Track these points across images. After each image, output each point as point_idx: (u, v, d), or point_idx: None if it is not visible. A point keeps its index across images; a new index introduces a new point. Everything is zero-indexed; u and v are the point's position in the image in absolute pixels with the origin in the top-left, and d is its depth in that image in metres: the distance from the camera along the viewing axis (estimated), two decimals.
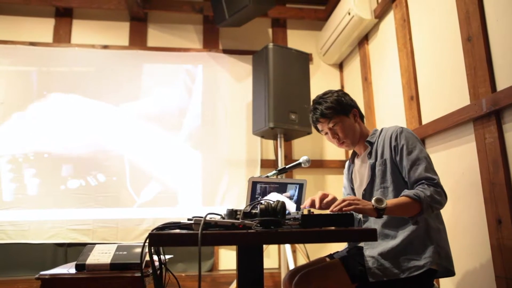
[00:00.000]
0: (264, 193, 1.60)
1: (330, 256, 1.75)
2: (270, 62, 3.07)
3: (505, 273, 1.69)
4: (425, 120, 2.36)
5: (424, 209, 1.39)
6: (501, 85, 1.77)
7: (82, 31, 3.62)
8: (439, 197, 1.41)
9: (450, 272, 1.52)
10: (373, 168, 1.63)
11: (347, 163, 1.87)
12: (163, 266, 1.41)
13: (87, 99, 3.42)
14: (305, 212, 1.31)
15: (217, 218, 1.28)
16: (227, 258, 3.36)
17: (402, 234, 1.49)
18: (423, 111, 2.40)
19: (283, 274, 2.98)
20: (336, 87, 3.47)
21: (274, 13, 3.73)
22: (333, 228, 1.22)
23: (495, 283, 1.75)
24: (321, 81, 3.73)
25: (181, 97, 3.58)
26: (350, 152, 1.87)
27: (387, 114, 2.90)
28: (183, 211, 3.31)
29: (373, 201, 1.35)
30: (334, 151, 3.67)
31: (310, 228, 1.20)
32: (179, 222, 1.23)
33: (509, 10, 1.73)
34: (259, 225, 1.16)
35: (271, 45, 3.12)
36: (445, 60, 2.18)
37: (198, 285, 1.06)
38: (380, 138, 1.66)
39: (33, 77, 3.43)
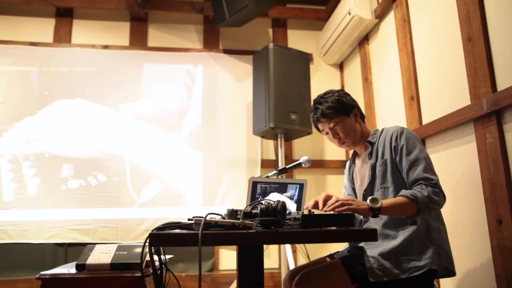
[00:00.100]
0: (265, 193, 1.60)
1: (331, 256, 1.75)
2: (271, 62, 3.07)
3: (505, 273, 1.69)
4: (426, 120, 2.36)
5: (421, 209, 1.39)
6: (501, 85, 1.76)
7: (83, 31, 3.63)
8: (437, 197, 1.41)
9: (450, 273, 1.52)
10: (373, 168, 1.63)
11: (348, 163, 1.87)
12: (163, 266, 1.41)
13: (87, 99, 3.42)
14: (305, 212, 1.31)
15: (218, 218, 1.28)
16: (227, 258, 3.36)
17: (402, 235, 1.49)
18: (424, 111, 2.40)
19: (283, 274, 2.98)
20: (337, 87, 3.47)
21: (274, 13, 3.73)
22: (333, 228, 1.22)
23: (495, 283, 1.74)
24: (322, 81, 3.73)
25: (181, 97, 3.58)
26: (351, 152, 1.87)
27: (388, 114, 2.90)
28: (183, 211, 3.31)
29: (368, 201, 1.35)
30: (334, 151, 3.67)
31: (311, 228, 1.20)
32: (180, 222, 1.24)
33: (509, 10, 1.73)
34: (259, 225, 1.16)
35: (271, 45, 3.12)
36: (446, 60, 2.18)
37: (198, 285, 1.06)
38: (380, 138, 1.66)
39: (34, 77, 3.43)
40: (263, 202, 1.23)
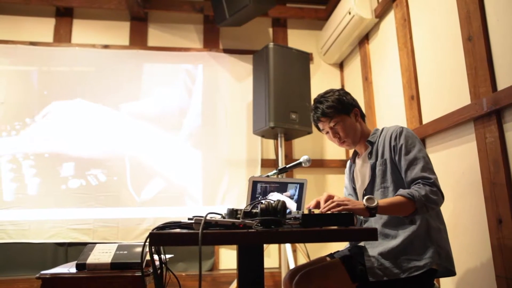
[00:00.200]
0: (265, 192, 1.60)
1: (331, 255, 1.75)
2: (271, 61, 3.07)
3: (505, 273, 1.69)
4: (426, 119, 2.36)
5: (418, 209, 1.39)
6: (501, 84, 1.76)
7: (83, 30, 3.62)
8: (434, 196, 1.41)
9: (450, 272, 1.52)
10: (373, 168, 1.63)
11: (348, 163, 1.86)
12: (163, 265, 1.42)
13: (87, 99, 3.42)
14: (306, 211, 1.31)
15: (218, 217, 1.28)
16: (227, 258, 3.36)
17: (402, 234, 1.49)
18: (424, 111, 2.40)
19: (283, 274, 2.98)
20: (337, 86, 3.46)
21: (274, 12, 3.73)
22: (333, 227, 1.22)
23: (495, 282, 1.75)
24: (322, 81, 3.73)
25: (181, 97, 3.58)
26: (351, 151, 1.87)
27: (388, 114, 2.90)
28: (183, 211, 3.31)
29: (364, 200, 1.35)
30: (334, 151, 3.67)
31: (311, 227, 1.20)
32: (180, 222, 1.24)
33: (509, 10, 1.73)
34: (259, 224, 1.16)
35: (271, 44, 3.12)
36: (446, 60, 2.18)
37: (198, 285, 1.06)
38: (380, 138, 1.66)
39: (34, 77, 3.43)
40: (263, 201, 1.23)
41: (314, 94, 1.86)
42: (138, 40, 3.67)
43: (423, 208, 1.39)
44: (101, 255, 1.57)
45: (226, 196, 3.42)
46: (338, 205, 1.32)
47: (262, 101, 3.06)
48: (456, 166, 2.06)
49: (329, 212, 1.32)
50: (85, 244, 1.93)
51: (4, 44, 3.44)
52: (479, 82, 1.86)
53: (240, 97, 3.63)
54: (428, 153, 1.76)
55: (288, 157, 3.57)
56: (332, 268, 1.53)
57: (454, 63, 2.09)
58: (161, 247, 1.41)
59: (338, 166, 3.62)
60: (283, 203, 1.21)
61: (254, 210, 1.25)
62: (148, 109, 3.49)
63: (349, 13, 3.06)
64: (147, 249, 1.33)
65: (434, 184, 1.43)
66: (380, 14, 2.97)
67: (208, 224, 1.14)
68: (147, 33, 3.71)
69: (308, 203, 1.49)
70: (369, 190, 1.63)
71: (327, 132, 1.71)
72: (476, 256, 1.90)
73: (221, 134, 3.55)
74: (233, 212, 1.26)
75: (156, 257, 1.37)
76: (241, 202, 3.33)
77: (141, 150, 3.40)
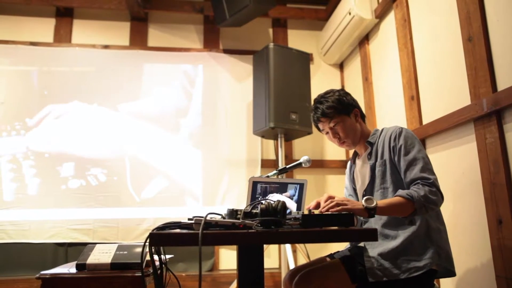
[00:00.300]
0: (265, 193, 1.60)
1: (331, 256, 1.75)
2: (271, 62, 3.07)
3: (505, 273, 1.69)
4: (426, 120, 2.36)
5: (418, 209, 1.39)
6: (501, 85, 1.76)
7: (83, 31, 3.63)
8: (434, 196, 1.41)
9: (450, 273, 1.52)
10: (373, 168, 1.63)
11: (348, 164, 1.87)
12: (163, 265, 1.42)
13: (87, 99, 3.42)
14: (306, 212, 1.31)
15: (218, 218, 1.28)
16: (227, 258, 3.36)
17: (402, 235, 1.49)
18: (424, 111, 2.40)
19: (283, 274, 2.98)
20: (337, 87, 3.47)
21: (274, 13, 3.73)
22: (333, 228, 1.22)
23: (495, 283, 1.74)
24: (322, 81, 3.73)
25: (181, 97, 3.58)
26: (351, 152, 1.87)
27: (388, 114, 2.90)
28: (183, 211, 3.31)
29: (363, 201, 1.35)
30: (334, 151, 3.67)
31: (311, 228, 1.20)
32: (180, 222, 1.24)
33: (509, 10, 1.73)
34: (259, 225, 1.16)
35: (271, 45, 3.12)
36: (446, 60, 2.18)
37: (198, 285, 1.06)
38: (380, 138, 1.66)
39: (34, 77, 3.43)
40: (263, 202, 1.23)
41: (314, 94, 1.86)
42: (138, 40, 3.67)
43: (422, 208, 1.39)
44: (101, 255, 1.57)
45: (226, 197, 3.42)
46: (337, 205, 1.32)
47: (262, 101, 3.06)
48: (456, 167, 2.06)
49: (328, 212, 1.32)
50: (85, 244, 1.92)
51: (5, 44, 3.44)
52: (479, 83, 1.87)
53: (240, 98, 3.63)
54: (428, 153, 1.76)
55: (288, 157, 3.57)
56: (332, 269, 1.53)
57: (454, 64, 2.09)
58: (161, 248, 1.41)
59: (338, 166, 3.62)
60: (283, 203, 1.21)
61: (254, 211, 1.25)
62: (148, 109, 3.49)
63: (349, 14, 3.06)
64: (147, 249, 1.33)
65: (433, 185, 1.43)
66: (380, 15, 2.97)
67: (208, 224, 1.14)
68: (147, 34, 3.71)
69: (308, 204, 1.49)
70: (369, 190, 1.64)
71: (327, 133, 1.71)
72: (476, 256, 1.90)
73: (221, 134, 3.55)
74: (233, 213, 1.26)
75: (156, 257, 1.37)
76: (241, 203, 3.33)
77: (141, 150, 3.40)
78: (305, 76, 3.24)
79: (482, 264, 1.86)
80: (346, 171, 1.88)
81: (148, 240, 1.10)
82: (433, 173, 1.49)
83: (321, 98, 1.70)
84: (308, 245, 3.08)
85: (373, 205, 1.34)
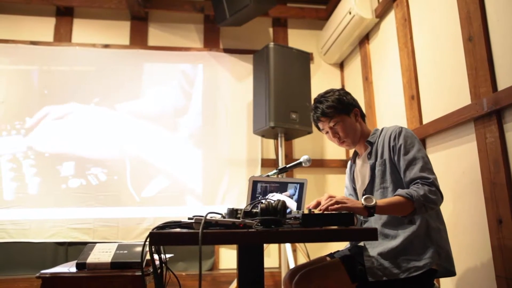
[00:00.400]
0: (265, 192, 1.60)
1: (331, 255, 1.75)
2: (271, 61, 3.07)
3: (505, 273, 1.69)
4: (426, 119, 2.35)
5: (417, 208, 1.39)
6: (502, 84, 1.76)
7: (83, 30, 3.63)
8: (433, 196, 1.41)
9: (450, 272, 1.52)
10: (373, 168, 1.63)
11: (349, 163, 1.87)
12: (163, 265, 1.42)
13: (87, 98, 3.42)
14: (306, 211, 1.31)
15: (218, 217, 1.28)
16: (227, 257, 3.36)
17: (402, 234, 1.49)
18: (424, 111, 2.40)
19: (283, 273, 2.98)
20: (337, 86, 3.46)
21: (275, 12, 3.72)
22: (333, 227, 1.22)
23: (495, 282, 1.75)
24: (322, 81, 3.72)
25: (181, 97, 3.58)
26: (351, 151, 1.87)
27: (388, 114, 2.90)
28: (183, 210, 3.31)
29: (362, 200, 1.35)
30: (334, 151, 3.67)
31: (311, 227, 1.20)
32: (180, 221, 1.24)
33: (510, 10, 1.73)
34: (259, 224, 1.16)
35: (271, 44, 3.12)
36: (446, 60, 2.18)
37: (198, 284, 1.06)
38: (380, 138, 1.66)
39: (34, 76, 3.43)
40: (263, 201, 1.23)
41: (314, 94, 1.86)
42: (139, 39, 3.67)
43: (421, 208, 1.39)
44: (101, 255, 1.57)
45: (226, 196, 3.42)
46: (337, 203, 1.32)
47: (262, 101, 3.06)
48: (456, 166, 2.06)
49: (328, 210, 1.32)
50: (85, 243, 1.93)
51: (5, 44, 3.44)
52: (479, 82, 1.86)
53: (241, 97, 3.63)
54: (428, 153, 1.76)
55: (288, 157, 3.57)
56: (332, 268, 1.53)
57: (454, 63, 2.09)
58: (161, 247, 1.41)
59: (338, 166, 3.62)
60: (283, 203, 1.21)
61: (254, 210, 1.25)
62: (148, 108, 3.49)
63: (350, 13, 3.06)
64: (147, 248, 1.33)
65: (433, 184, 1.43)
66: (381, 14, 2.97)
67: (208, 223, 1.14)
68: (148, 33, 3.71)
69: (308, 203, 1.49)
70: (369, 190, 1.64)
71: (327, 132, 1.71)
72: (476, 256, 1.90)
73: (221, 134, 3.55)
74: (233, 212, 1.26)
75: (156, 256, 1.37)
76: (241, 202, 3.34)
77: (141, 149, 3.40)
78: (305, 75, 3.24)
79: (482, 264, 1.86)
80: (347, 170, 1.88)
81: (148, 240, 1.10)
82: (433, 173, 1.49)
83: (321, 98, 1.69)
84: (308, 245, 3.08)
85: (372, 203, 1.34)
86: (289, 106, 3.04)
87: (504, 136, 1.74)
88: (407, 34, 2.55)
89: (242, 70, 3.67)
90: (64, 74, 3.46)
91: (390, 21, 2.85)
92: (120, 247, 1.61)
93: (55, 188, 3.22)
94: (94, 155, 3.32)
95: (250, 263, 1.29)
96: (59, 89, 3.41)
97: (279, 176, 1.82)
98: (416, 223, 1.49)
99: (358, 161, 1.77)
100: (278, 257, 3.38)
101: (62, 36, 3.56)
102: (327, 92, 1.71)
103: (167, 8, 3.67)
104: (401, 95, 2.63)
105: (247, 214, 1.24)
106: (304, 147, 3.64)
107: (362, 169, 1.72)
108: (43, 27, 3.57)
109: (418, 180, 1.45)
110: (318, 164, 3.61)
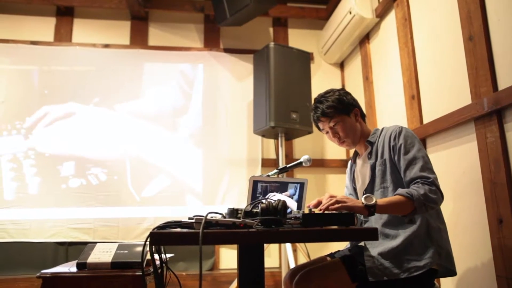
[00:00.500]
0: (265, 192, 1.60)
1: (331, 255, 1.75)
2: (271, 61, 3.07)
3: (506, 273, 1.69)
4: (426, 119, 2.35)
5: (417, 208, 1.39)
6: (502, 84, 1.76)
7: (83, 30, 3.63)
8: (433, 195, 1.41)
9: (451, 272, 1.52)
10: (373, 168, 1.63)
11: (349, 163, 1.87)
12: (164, 265, 1.42)
13: (88, 98, 3.42)
14: (306, 211, 1.31)
15: (218, 217, 1.28)
16: (228, 257, 3.36)
17: (403, 234, 1.49)
18: (424, 110, 2.40)
19: (283, 273, 2.98)
20: (337, 86, 3.47)
21: (275, 12, 3.72)
22: (334, 227, 1.22)
23: (496, 282, 1.74)
24: (322, 80, 3.72)
25: (181, 96, 3.58)
26: (351, 151, 1.87)
27: (388, 113, 2.90)
28: (184, 210, 3.31)
29: (362, 199, 1.35)
30: (335, 151, 3.67)
31: (311, 227, 1.20)
32: (180, 221, 1.24)
33: (510, 9, 1.73)
34: (260, 224, 1.16)
35: (272, 44, 3.12)
36: (446, 59, 2.18)
37: (199, 284, 1.06)
38: (380, 138, 1.66)
39: (34, 76, 3.43)
40: (263, 201, 1.23)
41: (314, 93, 1.86)
42: (139, 39, 3.67)
43: (422, 207, 1.39)
44: (101, 255, 1.57)
45: (227, 196, 3.42)
46: (337, 202, 1.32)
47: (262, 100, 3.06)
48: (456, 166, 2.06)
49: (328, 209, 1.32)
50: (85, 243, 1.93)
51: (5, 43, 3.44)
52: (480, 82, 1.86)
53: (241, 97, 3.63)
54: (428, 153, 1.75)
55: (289, 156, 3.57)
56: (332, 268, 1.53)
57: (454, 63, 2.09)
58: (162, 247, 1.41)
59: (339, 166, 3.62)
60: (284, 202, 1.21)
61: (255, 210, 1.25)
62: (149, 108, 3.49)
63: (350, 13, 3.06)
64: (147, 248, 1.33)
65: (433, 183, 1.43)
66: (381, 14, 2.97)
67: (209, 223, 1.14)
68: (148, 33, 3.71)
69: (309, 203, 1.49)
70: (369, 190, 1.64)
71: (327, 132, 1.71)
72: (476, 256, 1.90)
73: (221, 134, 3.55)
74: (233, 212, 1.26)
75: (156, 256, 1.37)
76: (241, 202, 3.33)
77: (141, 149, 3.40)
78: (305, 75, 3.24)
79: (482, 264, 1.86)
80: (347, 170, 1.88)
81: (148, 239, 1.10)
82: (433, 172, 1.49)
83: (321, 98, 1.70)
84: (309, 245, 3.08)
85: (372, 202, 1.34)
86: (289, 106, 3.04)
87: (505, 136, 1.74)
88: (408, 34, 2.54)
89: (242, 70, 3.67)
90: (64, 74, 3.46)
91: (391, 20, 2.85)
92: (121, 247, 1.61)
93: (55, 188, 3.22)
94: (94, 155, 3.32)
95: (250, 263, 1.29)
96: (59, 89, 3.41)
97: (280, 176, 1.82)
98: (416, 223, 1.49)
99: (359, 161, 1.77)
100: (279, 257, 3.38)
101: (63, 36, 3.56)
102: (327, 92, 1.71)
103: (167, 8, 3.67)
104: (401, 95, 2.63)
105: (247, 214, 1.24)
106: (305, 147, 3.64)
107: (362, 169, 1.72)
108: (44, 27, 3.57)
109: (418, 180, 1.45)
110: (319, 164, 3.61)
